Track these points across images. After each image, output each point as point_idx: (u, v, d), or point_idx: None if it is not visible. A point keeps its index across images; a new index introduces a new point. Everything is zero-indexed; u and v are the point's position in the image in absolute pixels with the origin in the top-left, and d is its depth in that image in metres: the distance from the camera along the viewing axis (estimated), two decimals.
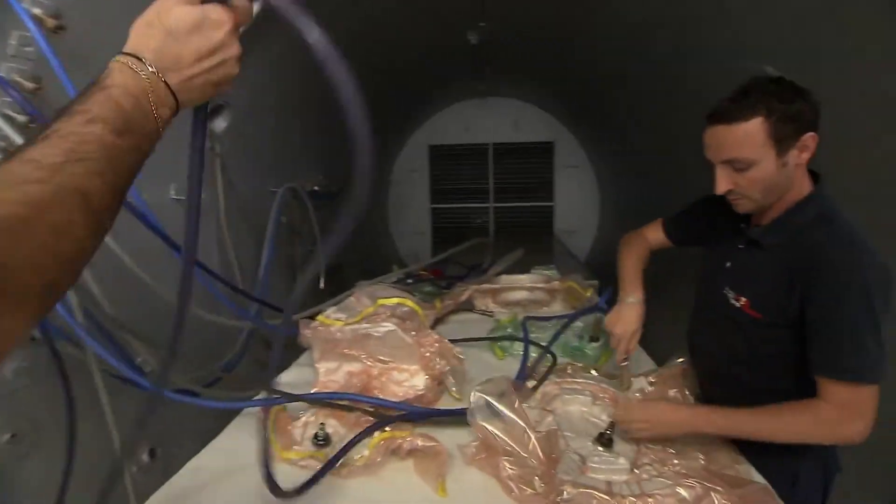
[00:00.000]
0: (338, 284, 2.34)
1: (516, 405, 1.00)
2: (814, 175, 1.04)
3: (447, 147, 5.36)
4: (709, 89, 0.93)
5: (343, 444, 1.07)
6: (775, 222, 1.03)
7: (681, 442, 1.03)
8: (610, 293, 1.72)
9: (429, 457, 1.00)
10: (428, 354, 1.20)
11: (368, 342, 1.23)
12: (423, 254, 4.78)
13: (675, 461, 0.97)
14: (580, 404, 1.17)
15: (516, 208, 5.42)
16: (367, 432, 1.03)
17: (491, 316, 1.93)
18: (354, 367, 1.30)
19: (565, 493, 0.83)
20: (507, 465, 0.92)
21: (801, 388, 0.97)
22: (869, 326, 0.88)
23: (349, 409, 1.11)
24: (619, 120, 3.71)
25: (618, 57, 2.94)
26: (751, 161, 0.95)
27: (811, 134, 0.94)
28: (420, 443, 0.99)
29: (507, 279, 2.01)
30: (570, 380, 1.25)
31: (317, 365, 1.31)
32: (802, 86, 0.95)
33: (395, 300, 1.23)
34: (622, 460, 0.93)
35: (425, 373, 1.24)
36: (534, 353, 1.50)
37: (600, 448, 1.01)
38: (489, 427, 0.97)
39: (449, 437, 1.08)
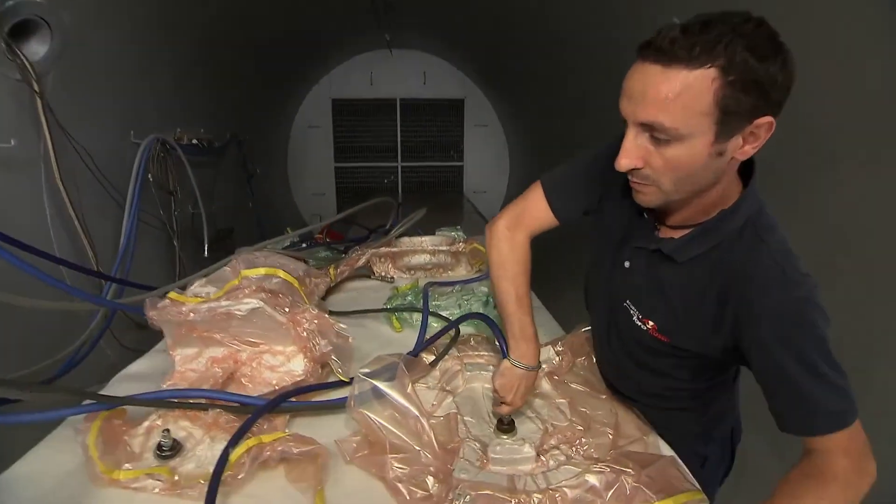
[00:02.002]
0: (228, 252, 2.04)
1: (408, 389, 0.84)
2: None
3: (351, 101, 5.00)
4: (628, 46, 0.71)
5: (196, 451, 0.87)
6: (695, 236, 0.77)
7: (588, 417, 0.94)
8: None
9: (304, 461, 0.82)
10: (305, 333, 1.01)
11: (231, 323, 1.01)
12: (326, 216, 4.48)
13: (584, 440, 0.87)
14: (484, 381, 1.05)
15: (425, 168, 5.24)
16: (233, 442, 0.82)
17: (391, 282, 1.77)
18: (218, 352, 1.08)
19: (461, 498, 0.69)
20: (395, 463, 0.77)
21: (718, 385, 0.91)
22: (830, 359, 0.69)
23: (202, 407, 0.90)
24: (532, 78, 3.60)
25: (531, 12, 2.79)
26: (678, 133, 0.65)
27: (769, 119, 0.65)
28: (294, 449, 0.81)
29: (407, 242, 1.84)
30: (472, 353, 1.12)
31: (171, 352, 1.08)
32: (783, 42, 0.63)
33: (262, 270, 1.02)
34: (527, 448, 0.81)
35: (304, 355, 1.05)
36: (435, 324, 1.36)
37: (503, 435, 0.90)
38: (372, 416, 0.81)
39: (337, 430, 0.91)
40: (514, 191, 5.11)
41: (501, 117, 5.04)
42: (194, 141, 2.72)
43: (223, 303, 0.98)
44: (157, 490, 0.80)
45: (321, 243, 2.28)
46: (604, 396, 1.01)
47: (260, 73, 3.61)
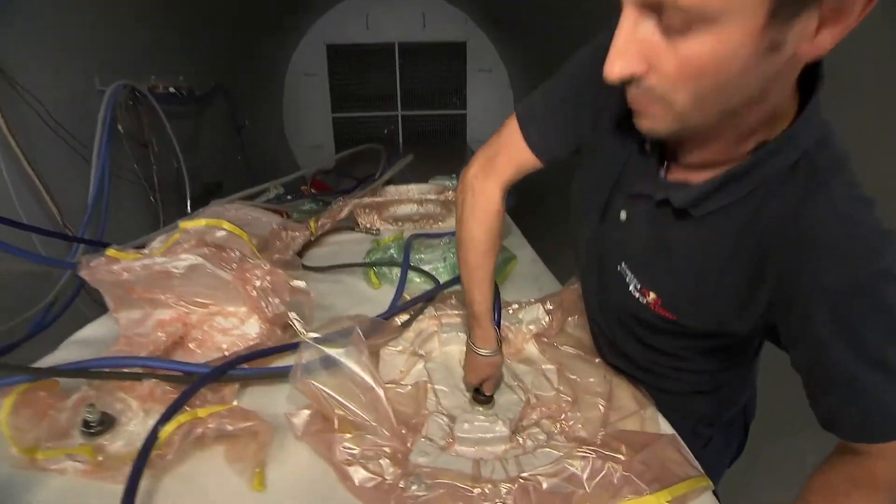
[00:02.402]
0: None
1: (364, 355, 0.72)
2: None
3: (347, 47, 4.73)
4: None
5: (129, 427, 0.77)
6: (722, 183, 0.53)
7: (577, 386, 0.81)
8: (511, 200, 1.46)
9: (245, 439, 0.72)
10: (255, 293, 0.88)
11: (172, 282, 0.89)
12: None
13: (570, 413, 0.75)
14: (462, 344, 0.92)
15: (426, 117, 5.00)
16: (164, 417, 0.71)
17: (376, 235, 1.63)
18: (166, 314, 0.96)
19: (413, 487, 0.58)
20: (343, 441, 0.66)
21: (735, 366, 0.75)
22: None
23: (135, 377, 0.79)
24: (536, 19, 3.32)
25: None
26: (705, 13, 0.40)
27: None
28: (229, 425, 0.70)
29: (393, 191, 1.69)
30: (452, 312, 0.99)
31: (115, 315, 0.96)
32: None
33: (203, 222, 0.89)
34: (499, 426, 0.69)
35: (258, 316, 0.93)
36: (417, 279, 1.23)
37: (478, 408, 0.78)
38: (320, 387, 0.69)
39: (301, 401, 0.80)
40: None
41: (506, 62, 4.74)
42: (171, 89, 2.54)
43: (158, 259, 0.86)
44: (77, 472, 0.70)
45: (306, 195, 2.15)
46: (597, 360, 0.89)
47: (246, 17, 3.37)
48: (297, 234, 1.54)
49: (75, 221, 1.85)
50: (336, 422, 0.67)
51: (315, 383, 0.70)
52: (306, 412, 0.75)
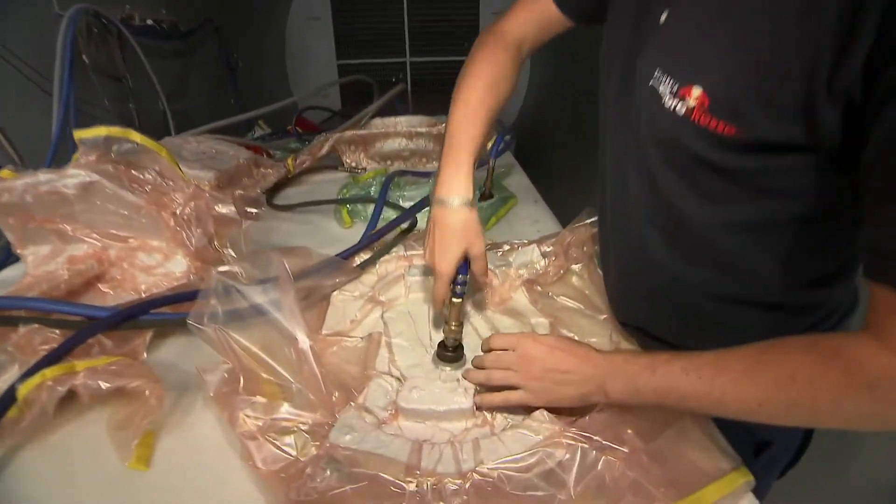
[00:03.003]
0: None
1: (289, 296, 0.54)
2: None
3: None
4: None
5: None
6: None
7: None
8: (503, 138, 1.26)
9: (136, 402, 0.55)
10: (173, 222, 0.70)
11: (73, 207, 0.71)
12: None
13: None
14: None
15: (436, 63, 4.67)
16: (29, 373, 0.55)
17: (361, 175, 1.44)
18: (79, 249, 0.79)
19: (325, 474, 0.41)
20: (248, 410, 0.48)
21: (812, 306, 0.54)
22: None
23: (10, 322, 0.63)
24: None
25: None
26: None
27: None
28: (104, 383, 0.53)
29: (379, 123, 1.48)
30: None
31: (20, 252, 0.80)
32: None
33: (103, 130, 0.70)
34: (460, 395, 0.51)
35: (183, 251, 0.75)
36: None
37: (444, 367, 0.60)
38: (228, 335, 0.52)
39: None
40: (536, 90, 4.54)
41: None
42: (150, 22, 2.31)
43: (42, 177, 0.68)
44: None
45: (291, 134, 1.95)
46: (602, 317, 0.70)
47: None
48: (270, 171, 1.37)
49: (39, 162, 1.68)
50: (242, 381, 0.50)
51: (222, 329, 0.52)
52: (226, 367, 0.58)
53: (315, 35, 4.52)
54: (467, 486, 0.39)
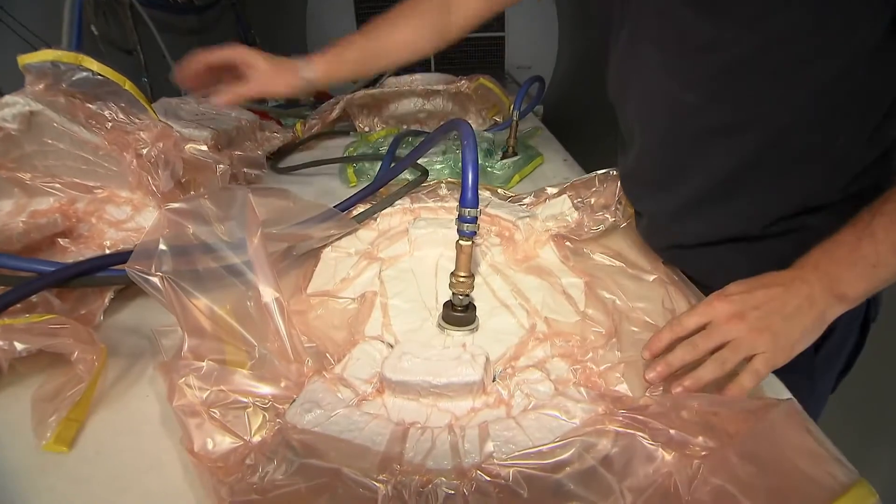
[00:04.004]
0: None
1: (255, 237, 0.43)
2: None
3: None
4: None
5: None
6: None
7: (617, 312, 0.50)
8: (527, 89, 1.12)
9: (66, 370, 0.45)
10: (136, 164, 0.60)
11: (22, 150, 0.61)
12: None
13: (602, 352, 0.44)
14: (444, 246, 0.61)
15: (461, 41, 4.51)
16: None
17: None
18: (44, 203, 0.70)
19: (259, 469, 0.29)
20: (190, 379, 0.37)
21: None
22: None
23: None
24: None
25: None
26: None
27: None
28: (20, 344, 0.43)
29: (393, 82, 1.35)
30: (434, 205, 0.68)
31: None
32: None
33: (49, 55, 0.59)
34: (467, 365, 0.38)
35: (156, 202, 0.65)
36: (411, 177, 0.92)
37: (450, 332, 0.47)
38: (175, 285, 0.41)
39: None
40: (564, 66, 4.32)
41: None
42: None
43: None
44: None
45: (303, 104, 1.85)
46: (651, 278, 0.56)
47: None
48: (276, 134, 1.27)
49: None
50: (186, 342, 0.39)
51: (172, 278, 0.41)
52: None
53: (336, 13, 4.42)
54: (467, 489, 0.27)
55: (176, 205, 0.45)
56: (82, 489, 0.37)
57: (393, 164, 0.89)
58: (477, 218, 0.45)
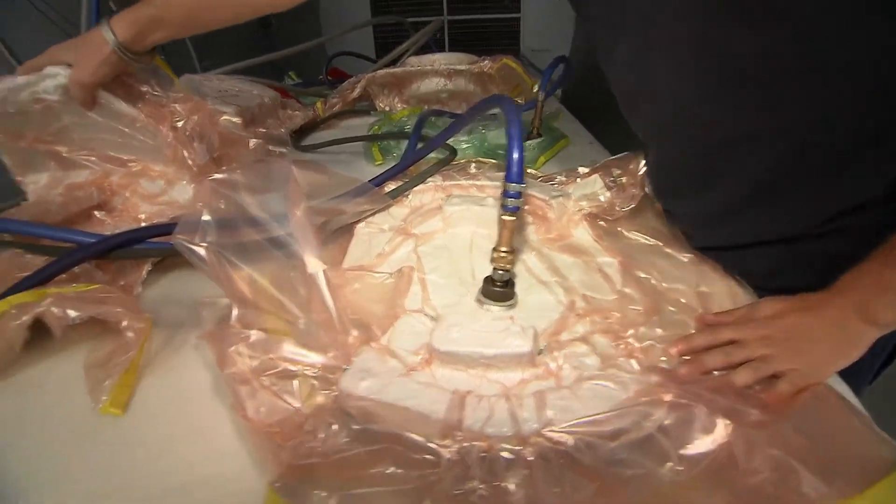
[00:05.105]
0: None
1: (299, 209, 0.43)
2: None
3: None
4: None
5: None
6: None
7: (654, 292, 0.50)
8: (553, 70, 1.10)
9: (115, 338, 0.46)
10: (173, 138, 0.60)
11: (60, 122, 0.62)
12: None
13: (643, 329, 0.44)
14: (477, 223, 0.61)
15: (476, 21, 4.45)
16: (5, 295, 0.47)
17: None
18: (80, 177, 0.71)
19: (320, 433, 0.29)
20: (241, 348, 0.38)
21: None
22: None
23: None
24: None
25: None
26: None
27: None
28: (74, 312, 0.44)
29: (415, 61, 1.34)
30: (466, 182, 0.68)
31: (21, 181, 0.71)
32: None
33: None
34: (517, 336, 0.38)
35: (190, 176, 0.65)
36: (434, 156, 0.91)
37: (489, 307, 0.48)
38: (217, 252, 0.41)
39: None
40: (579, 49, 4.25)
41: None
42: None
43: (19, 80, 0.58)
44: None
45: (323, 83, 1.84)
46: (686, 258, 0.56)
47: None
48: (298, 112, 1.26)
49: None
50: (234, 311, 0.39)
51: (217, 248, 0.42)
52: (224, 299, 0.47)
53: None
54: (530, 454, 0.28)
55: (220, 176, 0.45)
56: (138, 450, 0.38)
57: (422, 143, 0.88)
58: (521, 194, 0.45)
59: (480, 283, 0.52)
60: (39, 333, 0.46)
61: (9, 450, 0.39)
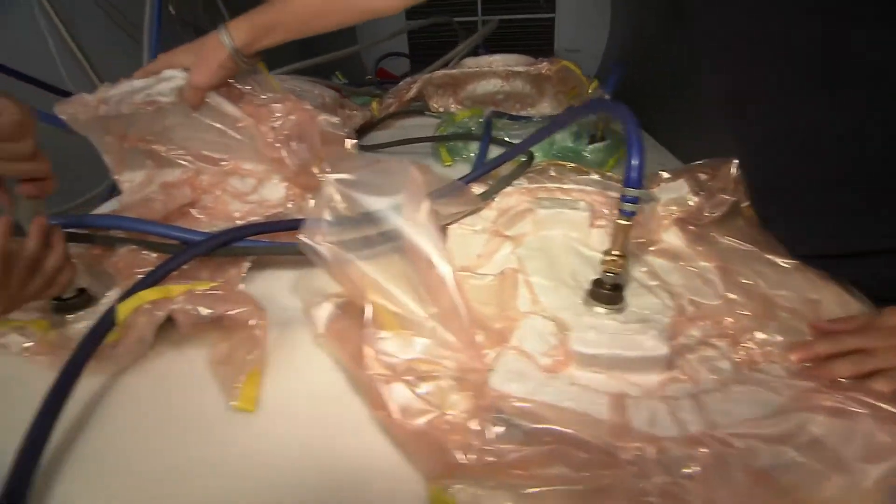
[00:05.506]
0: None
1: (422, 212, 0.44)
2: None
3: None
4: None
5: (101, 308, 0.56)
6: None
7: (761, 296, 0.50)
8: (619, 75, 1.09)
9: (237, 334, 0.47)
10: (272, 138, 0.62)
11: (164, 119, 0.64)
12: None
13: (761, 336, 0.44)
14: (568, 227, 0.62)
15: (510, 22, 4.44)
16: (128, 294, 0.49)
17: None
18: (172, 175, 0.73)
19: (495, 429, 0.30)
20: (382, 349, 0.39)
21: None
22: None
23: (107, 242, 0.57)
24: None
25: None
26: None
27: None
28: (205, 309, 0.45)
29: (472, 62, 1.35)
30: (552, 186, 0.69)
31: (117, 178, 0.75)
32: None
33: None
34: (651, 338, 0.39)
35: (281, 175, 0.67)
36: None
37: (599, 308, 0.48)
38: (345, 256, 0.43)
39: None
40: (614, 50, 4.20)
41: None
42: None
43: (136, 83, 0.61)
44: (21, 350, 0.50)
45: (371, 83, 1.87)
46: (788, 265, 0.56)
47: None
48: (356, 112, 1.28)
49: None
50: (370, 312, 0.41)
51: (339, 248, 0.43)
52: (338, 301, 0.49)
53: None
54: (702, 455, 0.28)
55: (339, 175, 0.47)
56: (272, 447, 0.39)
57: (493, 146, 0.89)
58: (639, 199, 0.46)
59: (582, 286, 0.53)
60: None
61: (144, 442, 0.40)
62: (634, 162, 0.44)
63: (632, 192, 0.45)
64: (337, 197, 0.45)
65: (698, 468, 0.27)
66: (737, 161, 0.62)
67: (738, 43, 0.50)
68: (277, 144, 0.62)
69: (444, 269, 0.41)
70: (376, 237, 0.45)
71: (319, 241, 0.45)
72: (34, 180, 0.49)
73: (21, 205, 0.49)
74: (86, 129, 0.69)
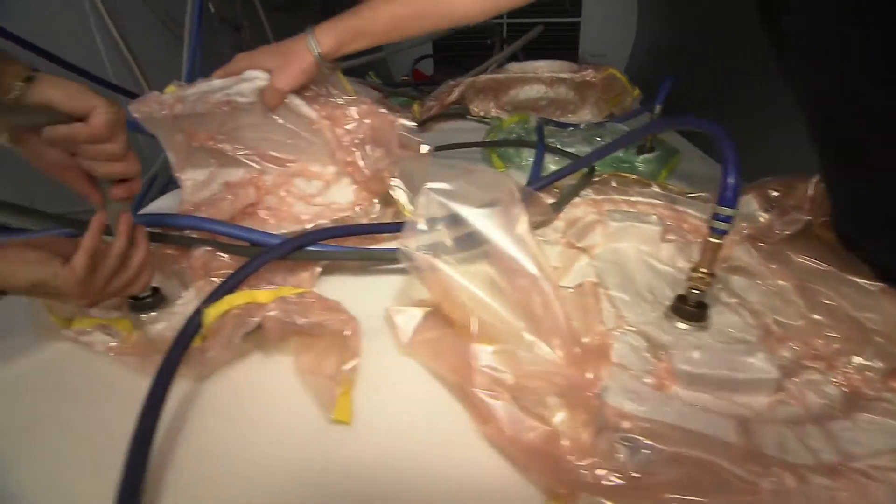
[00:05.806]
0: None
1: (521, 227, 0.44)
2: None
3: None
4: None
5: (176, 309, 0.56)
6: None
7: (849, 318, 0.49)
8: (668, 88, 1.08)
9: (325, 342, 0.48)
10: (347, 141, 0.62)
11: (238, 120, 0.65)
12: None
13: (857, 359, 0.43)
14: (640, 239, 0.62)
15: (535, 25, 4.42)
16: (212, 298, 0.49)
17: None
18: (235, 175, 0.74)
19: (620, 455, 0.30)
20: (487, 363, 0.39)
21: None
22: None
23: (182, 242, 0.58)
24: None
25: None
26: None
27: None
28: (300, 318, 0.45)
29: (517, 68, 1.35)
30: (618, 198, 0.68)
31: (178, 176, 0.75)
32: None
33: None
34: (761, 360, 0.39)
35: (352, 178, 0.67)
36: (553, 166, 0.92)
37: (681, 324, 0.48)
38: (448, 270, 0.43)
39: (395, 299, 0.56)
40: (640, 55, 4.16)
41: None
42: None
43: (215, 83, 0.61)
44: (106, 349, 0.50)
45: (407, 84, 1.87)
46: (873, 287, 0.55)
47: None
48: (398, 114, 1.28)
49: None
50: (474, 326, 0.41)
51: (441, 264, 0.43)
52: (419, 311, 0.49)
53: None
54: (845, 488, 0.28)
55: (437, 185, 0.47)
56: (371, 459, 0.38)
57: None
58: (732, 218, 0.45)
59: (658, 300, 0.52)
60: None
61: (240, 450, 0.40)
62: (730, 181, 0.44)
63: (727, 210, 0.45)
64: (434, 206, 0.46)
65: (843, 500, 0.27)
66: (816, 179, 0.61)
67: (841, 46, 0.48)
68: (353, 148, 0.63)
69: (546, 285, 0.41)
70: (473, 248, 0.45)
71: (418, 254, 0.45)
72: (124, 181, 0.50)
73: (110, 203, 0.50)
74: (157, 128, 0.69)
